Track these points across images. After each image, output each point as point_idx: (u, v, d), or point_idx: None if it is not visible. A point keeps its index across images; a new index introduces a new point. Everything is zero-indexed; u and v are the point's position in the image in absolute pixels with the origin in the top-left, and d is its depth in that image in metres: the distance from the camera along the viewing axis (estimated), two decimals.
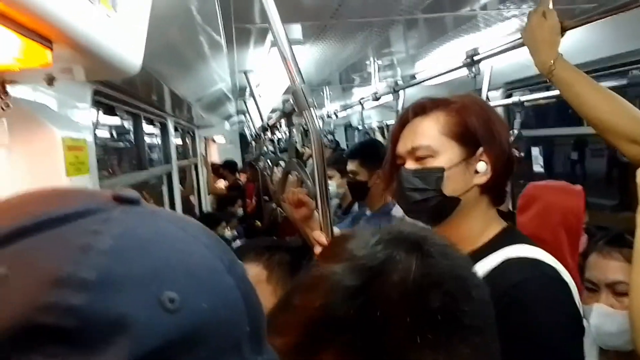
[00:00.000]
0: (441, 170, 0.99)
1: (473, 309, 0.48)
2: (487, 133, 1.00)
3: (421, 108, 1.05)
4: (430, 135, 1.01)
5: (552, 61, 1.18)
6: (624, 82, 1.92)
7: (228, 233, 4.03)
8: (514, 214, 1.86)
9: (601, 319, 1.24)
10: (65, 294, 0.25)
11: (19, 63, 0.74)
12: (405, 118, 1.07)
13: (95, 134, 1.89)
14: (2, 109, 1.02)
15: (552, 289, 0.90)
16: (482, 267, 0.95)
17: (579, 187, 1.74)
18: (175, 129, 4.18)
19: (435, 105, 1.04)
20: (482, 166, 1.00)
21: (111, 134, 3.20)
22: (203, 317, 0.28)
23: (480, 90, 2.48)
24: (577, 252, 1.65)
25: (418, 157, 1.02)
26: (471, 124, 1.00)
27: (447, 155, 1.00)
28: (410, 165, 1.03)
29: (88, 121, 1.65)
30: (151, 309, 0.26)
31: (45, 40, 0.79)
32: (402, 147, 1.05)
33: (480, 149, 1.00)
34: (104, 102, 2.17)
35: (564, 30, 1.22)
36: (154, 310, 0.26)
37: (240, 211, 5.56)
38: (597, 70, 2.23)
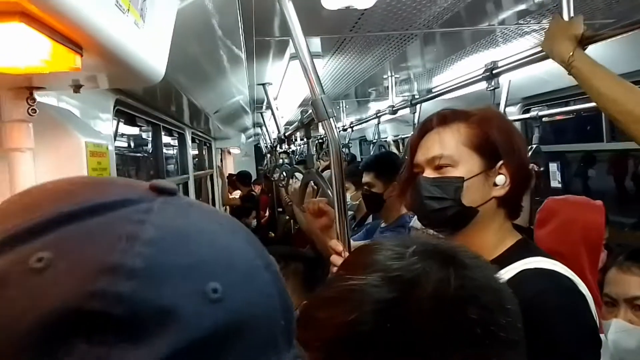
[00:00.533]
0: (461, 180, 0.99)
1: (509, 322, 0.47)
2: (507, 146, 1.01)
3: (442, 118, 1.06)
4: (450, 145, 1.01)
5: (570, 52, 1.18)
6: None
7: None
8: (532, 229, 1.84)
9: (619, 334, 1.22)
10: (113, 282, 0.25)
11: (49, 66, 0.76)
12: (426, 128, 1.08)
13: (115, 143, 1.92)
14: (29, 114, 1.05)
15: (569, 301, 0.89)
16: None
17: (599, 202, 1.71)
18: (193, 140, 4.23)
19: (456, 116, 1.04)
20: (501, 179, 1.01)
21: (130, 144, 3.24)
22: (244, 309, 0.28)
23: (498, 104, 2.47)
24: (597, 268, 1.62)
25: (437, 167, 1.02)
26: (492, 137, 1.00)
27: (467, 165, 1.00)
28: (429, 174, 1.03)
29: (110, 129, 1.68)
30: (196, 299, 0.26)
31: (76, 46, 0.81)
32: (422, 156, 1.05)
33: (500, 162, 1.01)
34: (125, 112, 2.21)
35: (585, 41, 1.22)
36: (200, 301, 0.26)
37: (254, 223, 5.58)
38: None
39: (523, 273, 0.93)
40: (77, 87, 1.11)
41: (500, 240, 1.02)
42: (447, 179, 1.00)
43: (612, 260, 1.36)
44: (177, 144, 3.94)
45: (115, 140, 1.97)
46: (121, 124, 2.43)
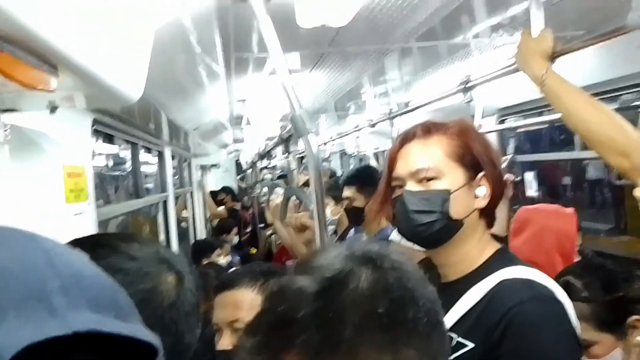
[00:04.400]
0: (447, 192, 0.99)
1: (417, 316, 0.54)
2: (487, 158, 1.02)
3: (427, 129, 1.05)
4: (435, 158, 1.01)
5: (544, 71, 1.21)
6: (615, 106, 1.96)
7: (222, 260, 3.97)
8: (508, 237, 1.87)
9: None
10: None
11: (24, 87, 0.75)
12: (406, 139, 1.06)
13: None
14: (5, 135, 1.03)
15: (548, 309, 0.91)
16: (478, 290, 0.96)
17: (571, 210, 1.76)
18: (172, 157, 4.19)
19: (436, 128, 1.04)
20: (482, 190, 1.01)
21: (108, 163, 3.20)
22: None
23: (473, 116, 2.52)
24: None
25: (422, 179, 1.00)
26: (475, 149, 1.01)
27: (451, 178, 1.00)
28: (412, 187, 1.02)
29: (88, 149, 1.66)
30: None
31: (51, 67, 0.80)
32: (403, 169, 1.03)
33: (481, 174, 1.01)
34: (103, 131, 2.18)
35: (555, 55, 1.25)
36: None
37: (235, 239, 5.53)
38: (593, 95, 2.28)
39: (503, 283, 0.94)
40: (53, 108, 1.10)
41: (481, 251, 1.03)
42: (434, 191, 0.99)
43: None
44: (156, 162, 3.90)
45: (93, 159, 1.94)
46: (100, 143, 2.40)
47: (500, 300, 0.92)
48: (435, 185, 0.99)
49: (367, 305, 0.53)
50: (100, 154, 2.82)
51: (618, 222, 4.99)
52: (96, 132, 2.02)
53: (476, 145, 1.02)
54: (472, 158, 1.01)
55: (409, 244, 1.51)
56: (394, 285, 0.55)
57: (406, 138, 1.06)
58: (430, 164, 1.00)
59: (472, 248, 1.03)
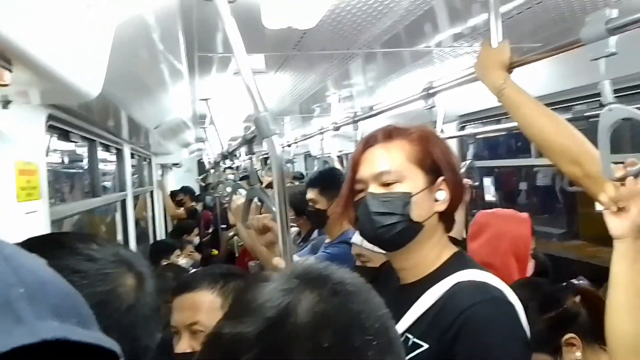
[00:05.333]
0: (409, 195, 1.01)
1: (366, 343, 0.50)
2: (447, 163, 1.05)
3: (387, 134, 1.07)
4: (397, 161, 1.03)
5: (502, 81, 1.26)
6: (568, 116, 2.04)
7: (182, 261, 3.90)
8: (465, 240, 1.93)
9: None
10: None
11: None
12: (369, 143, 1.08)
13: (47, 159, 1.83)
14: None
15: (498, 311, 0.94)
16: (434, 292, 0.99)
17: (525, 214, 1.82)
18: (132, 156, 4.09)
19: (399, 133, 1.07)
20: (441, 194, 1.04)
21: (64, 160, 3.09)
22: None
23: (435, 122, 2.57)
24: (526, 276, 1.72)
25: (384, 183, 1.03)
26: (435, 154, 1.04)
27: (412, 181, 1.03)
28: (374, 189, 1.04)
29: (41, 146, 1.60)
30: None
31: (4, 61, 0.77)
32: (366, 172, 1.06)
33: (441, 178, 1.04)
34: (58, 127, 2.11)
35: (511, 66, 1.30)
36: None
37: (196, 240, 5.45)
38: (547, 105, 2.36)
39: (458, 285, 0.98)
40: (5, 103, 1.06)
41: (439, 254, 1.06)
42: (395, 194, 1.02)
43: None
44: (115, 160, 3.79)
45: (47, 156, 1.87)
46: (55, 140, 2.31)
47: (454, 302, 0.95)
48: (397, 188, 1.02)
49: (310, 343, 0.49)
50: (55, 150, 2.72)
51: (570, 227, 5.20)
52: (51, 128, 1.95)
53: (436, 150, 1.05)
54: (433, 163, 1.04)
55: (370, 246, 1.53)
56: (337, 315, 0.51)
57: (369, 142, 1.09)
58: (392, 168, 1.02)
59: (430, 251, 1.05)
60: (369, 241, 1.13)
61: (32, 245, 0.81)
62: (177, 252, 3.90)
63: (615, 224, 0.99)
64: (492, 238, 1.73)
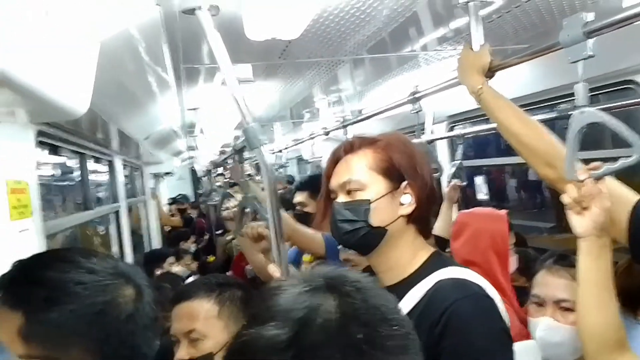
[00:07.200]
0: (367, 202, 1.06)
1: (392, 332, 0.54)
2: (410, 168, 1.09)
3: (351, 146, 1.13)
4: (358, 171, 1.09)
5: (479, 86, 1.29)
6: (553, 114, 2.07)
7: (177, 269, 3.88)
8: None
9: (547, 331, 1.32)
10: None
11: None
12: (337, 155, 1.14)
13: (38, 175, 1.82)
14: None
15: (478, 306, 0.98)
16: (417, 292, 1.02)
17: (503, 212, 1.86)
18: (124, 167, 4.09)
19: (364, 143, 1.12)
20: (406, 198, 1.08)
21: (55, 174, 3.09)
22: None
23: (423, 124, 2.60)
24: (507, 270, 1.76)
25: (349, 191, 1.09)
26: (396, 160, 1.08)
27: (374, 188, 1.07)
28: (341, 198, 1.10)
29: (31, 163, 1.60)
30: None
31: None
32: (335, 182, 1.12)
33: (405, 183, 1.08)
34: (48, 143, 2.11)
35: (493, 69, 1.32)
36: None
37: (192, 247, 5.44)
38: (531, 103, 2.40)
39: (439, 284, 1.01)
40: None
41: (414, 256, 1.09)
42: (356, 202, 1.07)
43: (541, 262, 1.45)
44: (106, 172, 3.79)
45: (38, 170, 1.87)
46: (45, 155, 2.32)
47: (437, 300, 0.99)
48: (358, 196, 1.08)
49: (344, 337, 0.52)
50: (46, 164, 2.72)
51: (559, 221, 5.24)
52: (41, 144, 1.95)
53: (397, 156, 1.09)
54: (394, 169, 1.08)
55: (350, 251, 1.57)
56: (363, 308, 0.55)
57: (335, 154, 1.15)
58: (353, 177, 1.08)
59: (403, 253, 1.09)
60: (342, 246, 1.19)
61: (39, 260, 0.85)
62: (171, 259, 3.88)
63: (578, 223, 1.04)
64: (472, 236, 1.77)
